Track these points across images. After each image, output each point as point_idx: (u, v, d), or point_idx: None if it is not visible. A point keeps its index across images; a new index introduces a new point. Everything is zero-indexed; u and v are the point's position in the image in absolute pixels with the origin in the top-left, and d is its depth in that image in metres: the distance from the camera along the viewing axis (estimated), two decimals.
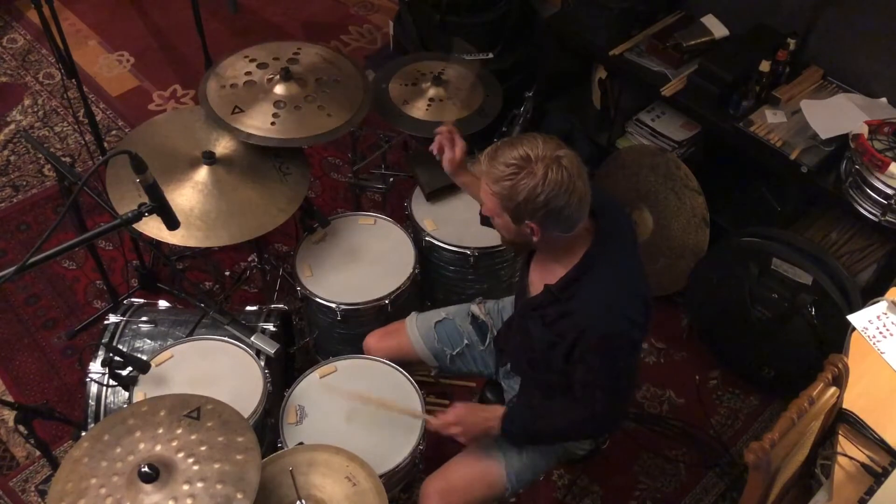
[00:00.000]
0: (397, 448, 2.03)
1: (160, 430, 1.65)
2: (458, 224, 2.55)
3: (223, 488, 1.56)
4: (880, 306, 2.02)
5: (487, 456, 1.97)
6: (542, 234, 1.71)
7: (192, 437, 1.64)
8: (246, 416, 2.00)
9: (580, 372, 1.78)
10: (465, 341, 2.19)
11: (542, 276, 1.84)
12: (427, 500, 1.95)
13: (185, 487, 1.55)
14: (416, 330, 2.21)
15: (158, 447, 1.62)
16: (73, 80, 2.71)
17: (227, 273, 3.06)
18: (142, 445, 1.62)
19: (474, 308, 2.22)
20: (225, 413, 1.70)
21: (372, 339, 2.26)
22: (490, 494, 1.97)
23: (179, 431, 1.65)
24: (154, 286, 2.99)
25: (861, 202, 2.40)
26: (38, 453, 2.55)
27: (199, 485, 1.56)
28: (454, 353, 2.19)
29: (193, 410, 1.69)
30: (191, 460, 1.59)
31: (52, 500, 1.56)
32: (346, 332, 2.47)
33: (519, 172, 1.62)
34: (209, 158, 2.36)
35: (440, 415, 1.95)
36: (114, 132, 3.64)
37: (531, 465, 1.99)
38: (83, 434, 2.15)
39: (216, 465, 1.59)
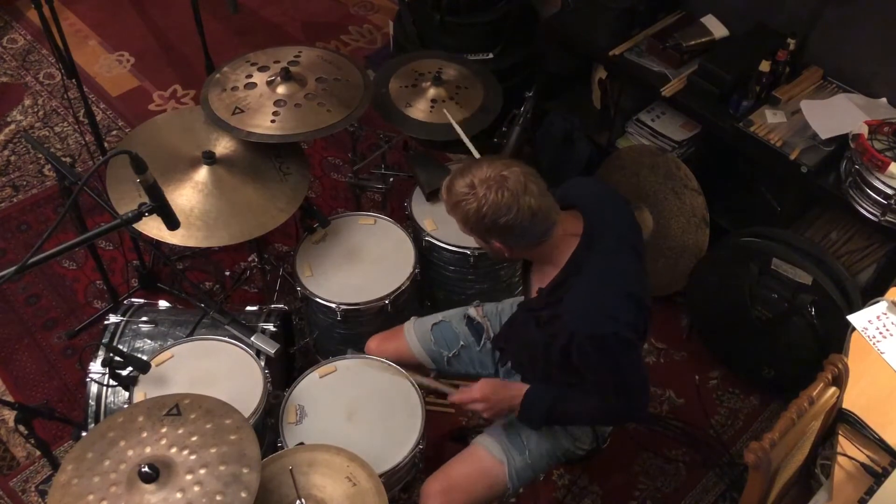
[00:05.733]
0: (397, 447, 2.03)
1: (144, 434, 1.64)
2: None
3: (227, 468, 1.57)
4: (880, 306, 2.02)
5: (489, 455, 1.98)
6: (511, 250, 1.78)
7: (179, 431, 1.64)
8: (246, 415, 2.00)
9: (587, 373, 1.80)
10: (462, 343, 2.20)
11: (538, 279, 1.88)
12: (428, 500, 1.95)
13: (189, 477, 1.56)
14: (413, 334, 2.22)
15: (148, 449, 1.61)
16: (73, 80, 2.71)
17: (228, 273, 3.06)
18: (130, 452, 1.62)
19: (471, 310, 2.23)
20: (205, 403, 1.70)
21: (373, 343, 2.27)
22: (491, 494, 1.98)
23: (164, 430, 1.65)
24: (154, 286, 2.99)
25: (861, 202, 2.40)
26: (38, 453, 2.55)
27: (202, 471, 1.56)
28: (451, 355, 2.20)
29: (172, 408, 1.69)
30: (186, 452, 1.60)
31: None
32: (346, 332, 2.47)
33: (466, 198, 1.70)
34: (209, 158, 2.36)
35: (464, 389, 1.98)
36: (114, 132, 3.64)
37: (532, 464, 2.00)
38: (72, 445, 2.14)
39: (213, 450, 1.60)
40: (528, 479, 2.01)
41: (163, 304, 2.43)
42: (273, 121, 2.37)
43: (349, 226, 2.60)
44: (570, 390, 1.90)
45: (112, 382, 2.10)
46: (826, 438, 1.82)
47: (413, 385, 2.16)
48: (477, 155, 2.50)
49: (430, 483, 1.98)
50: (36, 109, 3.73)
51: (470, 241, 2.46)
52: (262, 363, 2.16)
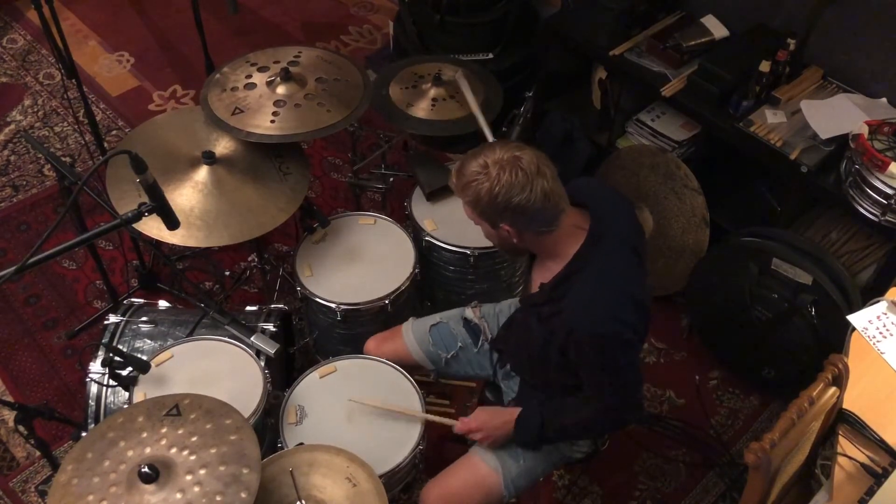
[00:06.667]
0: (397, 448, 2.03)
1: (144, 434, 1.64)
2: (458, 224, 2.55)
3: (227, 468, 1.57)
4: (880, 306, 2.02)
5: (485, 463, 1.99)
6: (520, 236, 1.77)
7: (179, 431, 1.64)
8: (246, 415, 2.00)
9: (583, 372, 1.80)
10: (459, 344, 2.20)
11: (540, 275, 1.87)
12: None
13: (189, 477, 1.56)
14: (411, 335, 2.22)
15: (148, 450, 1.61)
16: (73, 80, 2.71)
17: (227, 273, 3.06)
18: (130, 453, 1.62)
19: (468, 311, 2.23)
20: (205, 403, 1.70)
21: (371, 344, 2.27)
22: (488, 501, 1.99)
23: (164, 430, 1.65)
24: (154, 286, 2.99)
25: (861, 202, 2.40)
26: (38, 453, 2.55)
27: (202, 472, 1.56)
28: (449, 357, 2.20)
29: (172, 408, 1.69)
30: (185, 452, 1.60)
31: None
32: (346, 332, 2.47)
33: (478, 178, 1.69)
34: (209, 158, 2.36)
35: (464, 420, 2.01)
36: (114, 132, 3.64)
37: (529, 471, 2.01)
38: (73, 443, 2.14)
39: (213, 450, 1.60)
40: (526, 485, 2.02)
41: (163, 304, 2.43)
42: (273, 121, 2.37)
43: (349, 226, 2.59)
44: (561, 404, 1.91)
45: (112, 382, 2.10)
46: (826, 438, 1.82)
47: (413, 385, 2.16)
48: (491, 137, 2.50)
49: (428, 489, 1.99)
50: (36, 109, 3.73)
51: (470, 242, 2.49)
52: (262, 363, 2.16)
